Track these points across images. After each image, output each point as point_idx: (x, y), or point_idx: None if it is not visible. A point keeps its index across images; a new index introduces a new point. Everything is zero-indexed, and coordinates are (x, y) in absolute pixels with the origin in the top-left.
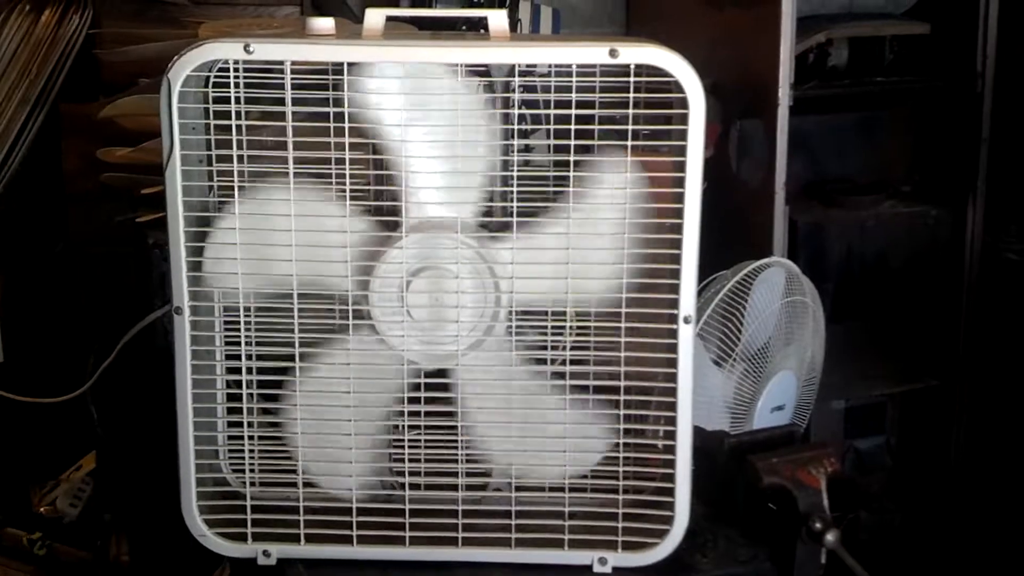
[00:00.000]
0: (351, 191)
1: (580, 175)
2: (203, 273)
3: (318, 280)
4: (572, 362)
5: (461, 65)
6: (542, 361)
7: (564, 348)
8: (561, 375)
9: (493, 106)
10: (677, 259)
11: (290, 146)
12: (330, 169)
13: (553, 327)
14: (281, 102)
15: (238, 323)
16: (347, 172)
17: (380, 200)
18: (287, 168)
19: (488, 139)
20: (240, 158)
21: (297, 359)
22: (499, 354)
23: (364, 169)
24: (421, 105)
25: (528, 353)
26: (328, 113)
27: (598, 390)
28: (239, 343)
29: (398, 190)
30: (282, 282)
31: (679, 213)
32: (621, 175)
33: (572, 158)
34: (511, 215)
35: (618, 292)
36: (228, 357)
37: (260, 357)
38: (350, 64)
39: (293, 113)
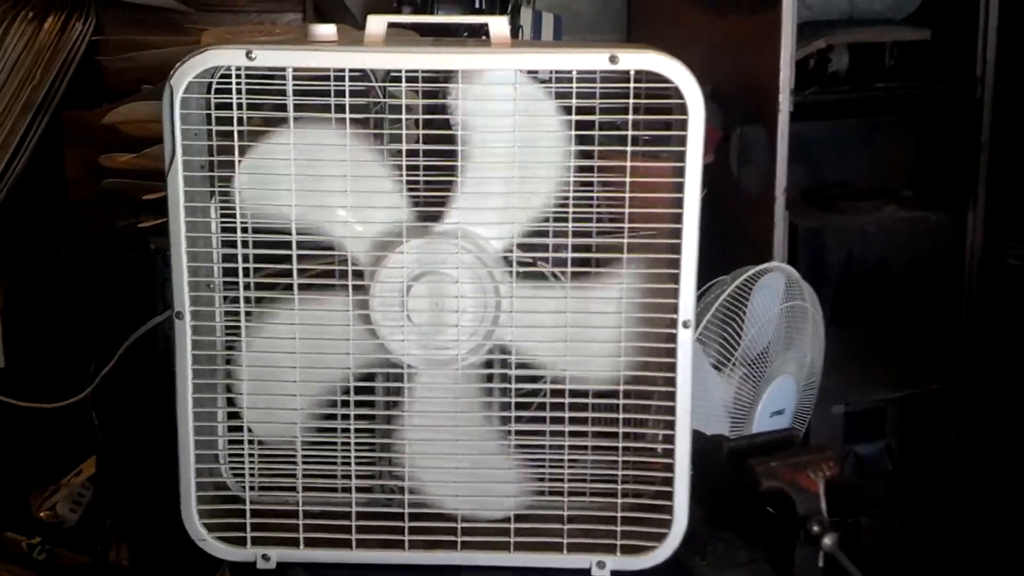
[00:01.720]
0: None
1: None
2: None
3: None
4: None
5: (460, 72)
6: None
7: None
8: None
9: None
10: (676, 264)
11: (291, 151)
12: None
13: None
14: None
15: (239, 328)
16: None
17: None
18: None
19: (561, 158)
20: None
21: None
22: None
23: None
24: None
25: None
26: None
27: (598, 394)
28: (239, 348)
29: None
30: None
31: (679, 219)
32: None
33: (573, 163)
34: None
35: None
36: (229, 362)
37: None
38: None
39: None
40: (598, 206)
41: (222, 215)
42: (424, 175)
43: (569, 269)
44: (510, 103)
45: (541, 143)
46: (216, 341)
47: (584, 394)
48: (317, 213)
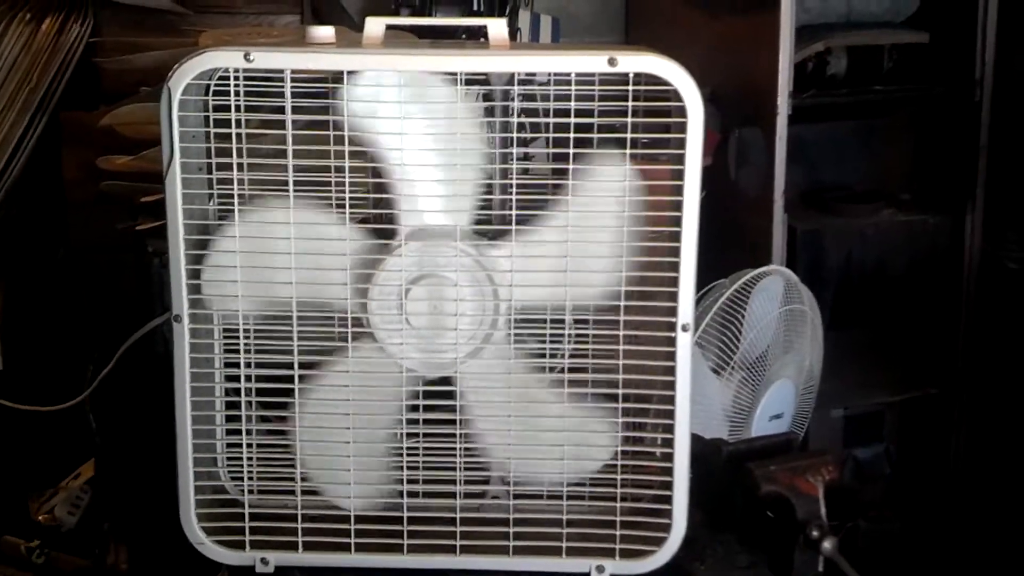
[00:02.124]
0: (349, 200)
1: (577, 173)
2: (203, 296)
3: (317, 296)
4: (571, 370)
5: (461, 73)
6: (542, 366)
7: (564, 351)
8: (561, 380)
9: (489, 113)
10: (676, 267)
11: (290, 155)
12: (327, 178)
13: (552, 333)
14: (281, 110)
15: (237, 332)
16: (346, 181)
17: (377, 209)
18: (286, 177)
19: (481, 146)
20: (240, 166)
21: (296, 380)
22: (499, 360)
23: (362, 178)
24: (413, 113)
25: (528, 361)
26: (326, 122)
27: (596, 398)
28: (238, 351)
29: (394, 198)
30: (282, 299)
31: (678, 221)
32: (618, 172)
33: (571, 167)
34: (509, 221)
35: (617, 290)
36: (227, 365)
37: (260, 366)
38: (349, 73)
39: (292, 122)
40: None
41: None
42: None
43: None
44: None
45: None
46: (215, 344)
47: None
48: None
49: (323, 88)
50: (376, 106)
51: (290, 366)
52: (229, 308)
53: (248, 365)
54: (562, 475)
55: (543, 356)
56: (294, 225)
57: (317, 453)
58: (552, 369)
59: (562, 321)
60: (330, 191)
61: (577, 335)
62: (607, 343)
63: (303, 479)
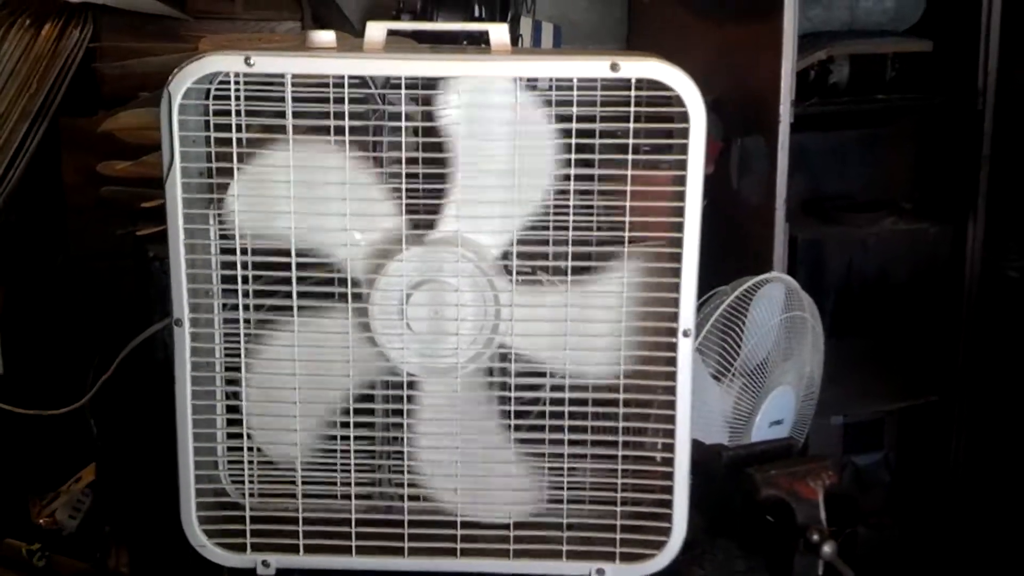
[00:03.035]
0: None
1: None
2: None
3: (318, 245)
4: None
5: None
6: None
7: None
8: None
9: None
10: (677, 273)
11: (291, 157)
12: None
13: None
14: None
15: (238, 335)
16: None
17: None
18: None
19: (550, 163)
20: (242, 166)
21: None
22: (472, 380)
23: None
24: (478, 120)
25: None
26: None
27: (597, 402)
28: (239, 355)
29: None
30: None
31: (679, 228)
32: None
33: (573, 172)
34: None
35: (617, 366)
36: (228, 369)
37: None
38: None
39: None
40: (598, 215)
41: (220, 230)
42: (424, 183)
43: (569, 263)
44: (504, 110)
45: (534, 149)
46: (215, 348)
47: (584, 402)
48: (315, 228)
49: (325, 94)
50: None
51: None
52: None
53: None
54: (506, 508)
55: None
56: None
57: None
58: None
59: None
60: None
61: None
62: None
63: (313, 485)
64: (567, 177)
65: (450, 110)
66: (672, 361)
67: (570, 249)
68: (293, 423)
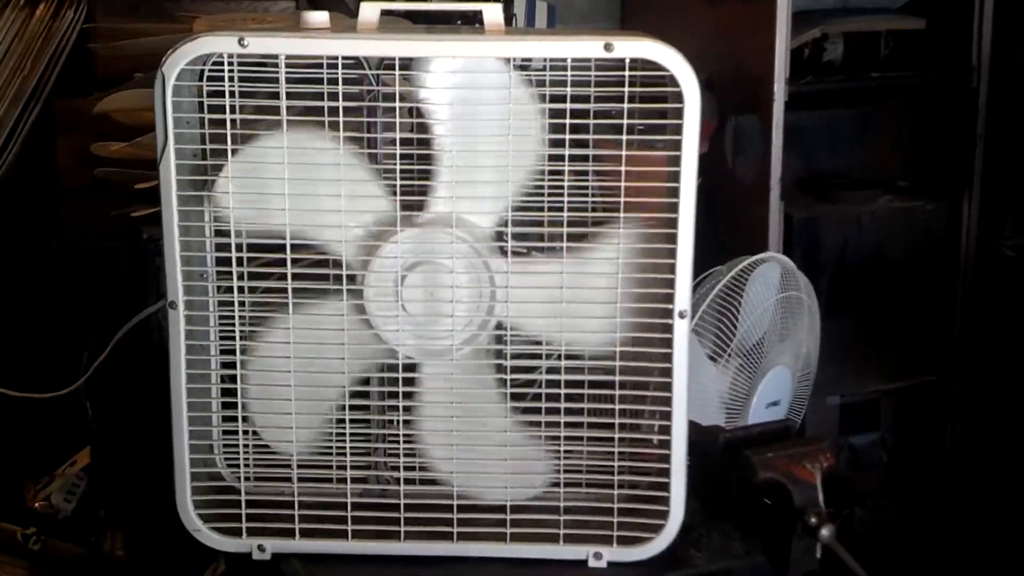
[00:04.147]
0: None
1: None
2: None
3: (313, 236)
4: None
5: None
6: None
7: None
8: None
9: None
10: (672, 254)
11: (285, 140)
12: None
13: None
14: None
15: (233, 318)
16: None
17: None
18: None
19: (538, 142)
20: (235, 152)
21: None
22: (470, 363)
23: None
24: (470, 100)
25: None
26: (321, 108)
27: (593, 384)
28: (234, 337)
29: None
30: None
31: (674, 208)
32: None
33: (568, 152)
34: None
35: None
36: (223, 352)
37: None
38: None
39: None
40: (593, 195)
41: (214, 211)
42: (417, 164)
43: (565, 229)
44: (488, 90)
45: (521, 128)
46: (210, 331)
47: (580, 384)
48: (307, 216)
49: (321, 74)
50: (429, 92)
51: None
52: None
53: (244, 352)
54: (505, 490)
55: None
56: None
57: (264, 397)
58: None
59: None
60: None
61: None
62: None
63: (309, 469)
64: (560, 157)
65: (434, 90)
66: (668, 342)
67: (565, 215)
68: (290, 407)
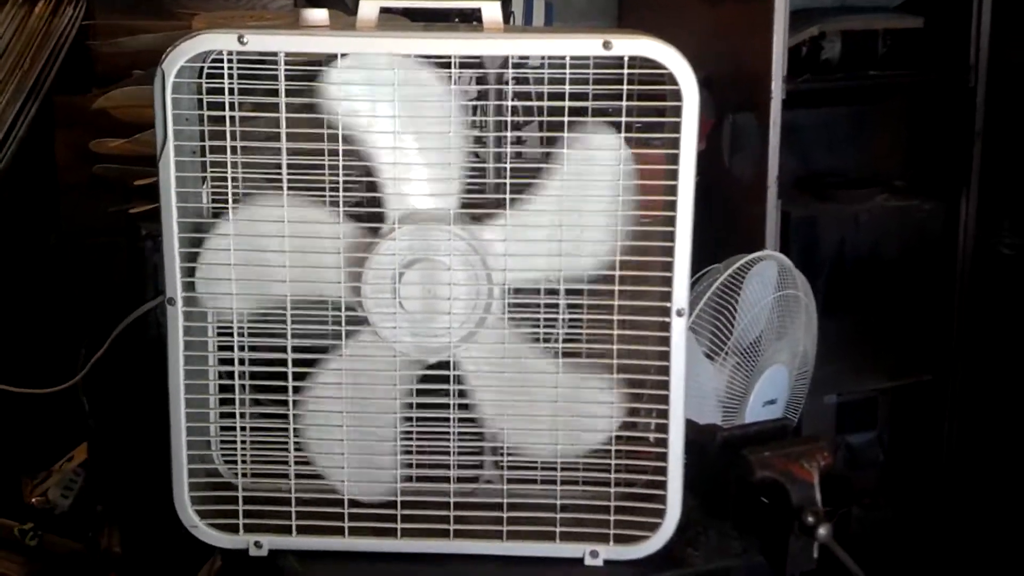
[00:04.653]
0: (341, 185)
1: (569, 142)
2: (197, 294)
3: (312, 292)
4: (567, 342)
5: (455, 56)
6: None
7: (560, 323)
8: (557, 353)
9: (482, 96)
10: (670, 252)
11: (283, 141)
12: (319, 161)
13: (547, 307)
14: (274, 93)
15: (231, 325)
16: (340, 165)
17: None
18: (279, 161)
19: (462, 128)
20: (234, 149)
21: (290, 374)
22: (495, 339)
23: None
24: (386, 96)
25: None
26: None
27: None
28: (232, 335)
29: (380, 182)
30: (277, 296)
31: (672, 206)
32: (609, 141)
33: (566, 151)
34: (501, 199)
35: (611, 259)
36: (221, 348)
37: (256, 360)
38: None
39: (286, 106)
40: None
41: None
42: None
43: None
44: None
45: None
46: (208, 327)
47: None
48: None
49: (316, 71)
50: (354, 90)
51: (286, 359)
52: (223, 306)
53: (243, 362)
54: (562, 447)
55: (538, 333)
56: (287, 221)
57: (319, 437)
58: (548, 343)
59: (557, 296)
60: (322, 176)
61: (572, 309)
62: (602, 314)
63: (306, 465)
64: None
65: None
66: (665, 340)
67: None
68: (343, 447)
